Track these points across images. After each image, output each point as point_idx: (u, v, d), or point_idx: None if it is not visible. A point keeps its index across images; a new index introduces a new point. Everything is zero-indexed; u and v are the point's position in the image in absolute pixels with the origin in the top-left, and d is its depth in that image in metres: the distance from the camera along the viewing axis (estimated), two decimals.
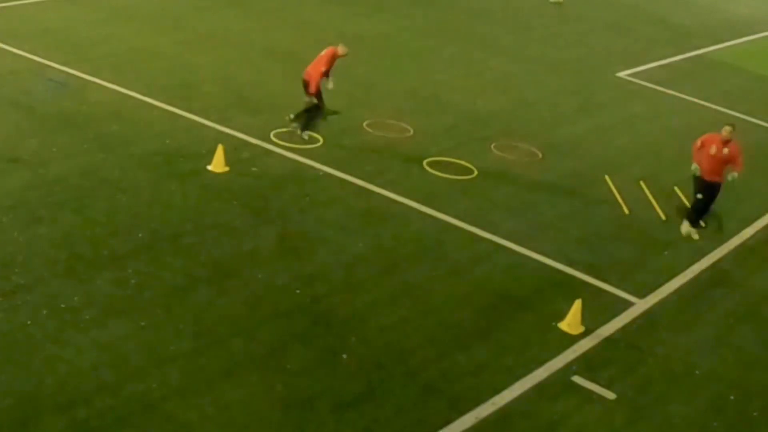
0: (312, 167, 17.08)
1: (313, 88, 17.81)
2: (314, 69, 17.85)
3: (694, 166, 16.35)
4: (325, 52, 18.05)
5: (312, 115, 18.13)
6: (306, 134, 18.02)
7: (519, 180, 17.86)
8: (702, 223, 16.76)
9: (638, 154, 19.86)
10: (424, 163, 17.79)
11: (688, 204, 17.53)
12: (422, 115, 20.03)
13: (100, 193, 15.28)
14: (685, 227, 16.54)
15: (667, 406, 12.28)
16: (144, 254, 13.79)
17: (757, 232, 17.20)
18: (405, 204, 16.31)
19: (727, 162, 16.25)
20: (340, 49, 18.13)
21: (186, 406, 11.04)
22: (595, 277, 14.91)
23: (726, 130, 16.27)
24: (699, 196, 16.46)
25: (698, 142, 16.52)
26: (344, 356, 12.26)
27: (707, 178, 16.33)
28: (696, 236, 16.49)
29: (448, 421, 11.40)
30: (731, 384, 12.94)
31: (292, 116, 18.17)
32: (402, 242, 15.22)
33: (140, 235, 14.26)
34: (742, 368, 13.34)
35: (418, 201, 16.41)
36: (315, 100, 17.97)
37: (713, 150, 16.23)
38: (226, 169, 16.43)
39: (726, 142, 16.22)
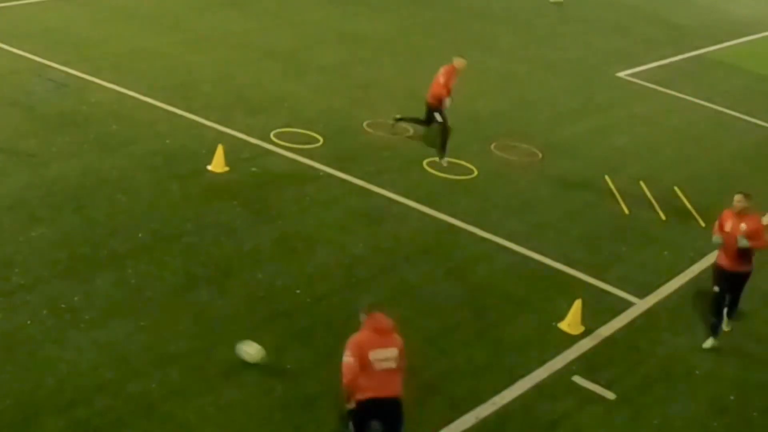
0: (312, 167, 17.08)
1: (437, 105, 17.70)
2: (438, 88, 17.73)
3: (716, 237, 13.18)
4: (443, 71, 17.86)
5: (443, 136, 17.87)
6: (445, 161, 17.78)
7: (519, 180, 17.85)
8: (725, 327, 13.76)
9: (638, 154, 19.85)
10: (424, 163, 17.78)
11: (688, 204, 17.54)
12: (422, 115, 19.97)
13: (100, 193, 15.27)
14: (710, 342, 13.51)
15: (667, 406, 12.27)
16: (144, 254, 13.79)
17: None
18: (405, 204, 16.30)
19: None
20: (458, 63, 17.95)
21: (186, 406, 11.03)
22: (595, 277, 14.91)
23: (736, 200, 13.03)
24: (716, 288, 13.44)
25: (716, 225, 13.48)
26: None
27: (727, 267, 13.23)
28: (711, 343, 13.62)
29: (448, 421, 11.39)
30: (731, 384, 12.93)
31: (397, 117, 18.54)
32: (402, 242, 15.21)
33: (140, 235, 14.26)
34: (742, 368, 13.33)
35: (418, 201, 16.40)
36: (440, 119, 17.81)
37: (728, 227, 13.07)
38: (226, 169, 16.43)
39: (741, 216, 13.00)
